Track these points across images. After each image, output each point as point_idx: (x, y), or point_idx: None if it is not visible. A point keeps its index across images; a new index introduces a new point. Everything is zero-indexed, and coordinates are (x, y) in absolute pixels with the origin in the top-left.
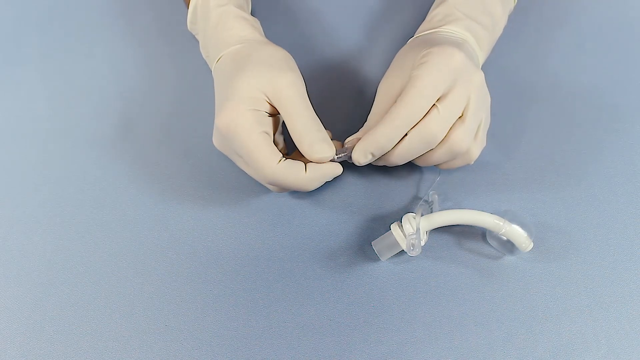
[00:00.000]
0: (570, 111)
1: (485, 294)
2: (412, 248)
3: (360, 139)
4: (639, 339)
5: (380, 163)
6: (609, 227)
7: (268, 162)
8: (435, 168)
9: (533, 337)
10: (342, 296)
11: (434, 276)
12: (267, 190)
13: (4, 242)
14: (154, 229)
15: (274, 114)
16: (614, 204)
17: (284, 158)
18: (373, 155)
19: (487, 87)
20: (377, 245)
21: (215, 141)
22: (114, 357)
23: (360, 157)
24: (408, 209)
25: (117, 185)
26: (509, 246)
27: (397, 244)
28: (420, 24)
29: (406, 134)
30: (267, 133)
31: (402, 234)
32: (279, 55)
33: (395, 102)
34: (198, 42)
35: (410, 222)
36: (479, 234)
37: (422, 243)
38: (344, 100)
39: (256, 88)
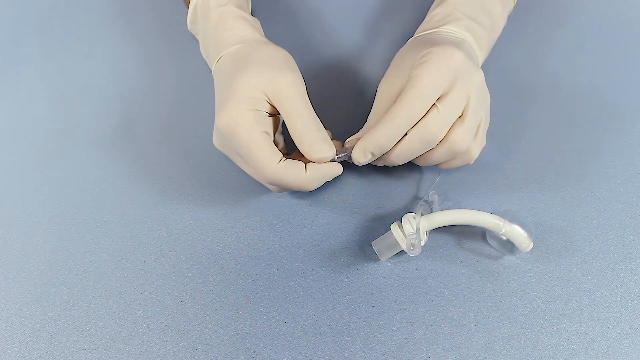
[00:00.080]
0: (570, 111)
1: (485, 294)
2: (412, 248)
3: (360, 138)
4: (639, 339)
5: (380, 163)
6: (609, 227)
7: (268, 162)
8: (435, 168)
9: (533, 337)
10: (342, 296)
11: (434, 276)
12: (267, 190)
13: (4, 242)
14: (154, 229)
15: (274, 114)
16: (614, 204)
17: (284, 158)
18: (373, 154)
19: (487, 86)
20: (377, 245)
21: (216, 141)
22: (114, 357)
23: (360, 156)
24: (408, 209)
25: (117, 185)
26: (509, 246)
27: (397, 244)
28: (420, 24)
29: (406, 134)
30: (267, 133)
31: (402, 234)
32: (279, 55)
33: (395, 101)
34: (198, 42)
35: (410, 222)
36: (479, 234)
37: (422, 243)
38: (344, 100)
39: (256, 88)
